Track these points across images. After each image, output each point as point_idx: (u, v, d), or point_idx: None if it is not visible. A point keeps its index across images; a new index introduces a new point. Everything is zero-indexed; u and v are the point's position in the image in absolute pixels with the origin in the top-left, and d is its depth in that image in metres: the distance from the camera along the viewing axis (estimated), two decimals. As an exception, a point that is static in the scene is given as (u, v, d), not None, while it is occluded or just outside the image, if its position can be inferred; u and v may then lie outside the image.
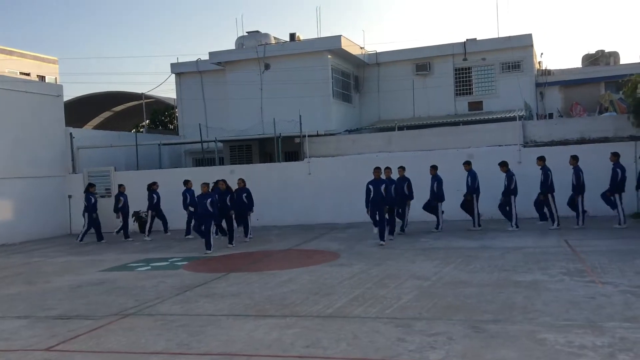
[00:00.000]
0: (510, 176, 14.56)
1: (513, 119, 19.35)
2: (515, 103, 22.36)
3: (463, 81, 24.93)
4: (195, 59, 26.35)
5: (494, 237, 13.44)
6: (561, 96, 25.35)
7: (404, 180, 14.84)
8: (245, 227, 15.27)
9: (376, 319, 6.86)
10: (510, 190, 14.50)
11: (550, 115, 23.41)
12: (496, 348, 5.60)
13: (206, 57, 24.31)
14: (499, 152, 16.77)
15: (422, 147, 18.46)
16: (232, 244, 14.19)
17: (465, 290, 8.14)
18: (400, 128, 21.27)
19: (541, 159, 14.63)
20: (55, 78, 36.74)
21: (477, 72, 24.85)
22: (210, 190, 14.22)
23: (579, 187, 14.08)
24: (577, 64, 30.06)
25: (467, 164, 15.08)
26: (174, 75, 27.17)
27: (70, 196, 20.29)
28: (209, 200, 13.56)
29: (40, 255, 14.87)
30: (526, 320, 6.50)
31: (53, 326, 7.44)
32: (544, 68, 26.39)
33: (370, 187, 13.03)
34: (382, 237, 13.00)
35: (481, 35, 64.13)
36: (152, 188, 17.29)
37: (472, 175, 14.81)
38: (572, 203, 14.26)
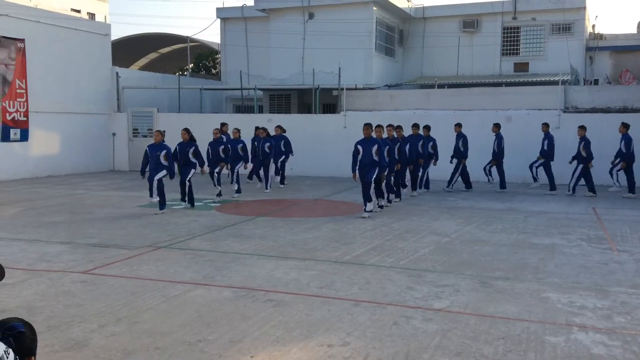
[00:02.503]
0: (549, 138, 14.51)
1: (557, 82, 19.00)
2: (563, 67, 21.83)
3: (510, 41, 24.37)
4: (240, 5, 26.46)
5: (523, 200, 13.52)
6: (611, 62, 24.54)
7: (429, 139, 14.48)
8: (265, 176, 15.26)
9: (390, 268, 7.21)
10: (544, 153, 14.54)
11: (596, 82, 22.79)
12: (499, 302, 5.88)
13: (252, 3, 24.37)
14: (538, 116, 16.63)
15: (460, 107, 18.39)
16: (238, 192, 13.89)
17: (481, 248, 8.39)
18: (441, 86, 21.11)
19: (582, 129, 14.38)
20: (105, 17, 37.34)
21: (526, 32, 24.21)
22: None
23: (626, 155, 13.91)
24: (632, 29, 28.90)
25: (497, 126, 15.07)
26: (219, 20, 27.34)
27: (114, 134, 21.06)
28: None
29: (83, 189, 15.68)
30: (535, 280, 6.73)
31: (91, 252, 8.06)
32: (596, 32, 25.52)
33: (359, 147, 11.00)
34: (366, 207, 11.03)
35: (537, -7, 61.61)
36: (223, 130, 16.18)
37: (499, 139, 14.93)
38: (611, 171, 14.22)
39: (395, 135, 12.57)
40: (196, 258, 7.76)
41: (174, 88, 22.39)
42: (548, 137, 14.55)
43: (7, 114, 17.29)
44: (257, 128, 15.98)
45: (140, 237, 9.18)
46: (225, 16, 27.02)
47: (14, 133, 17.59)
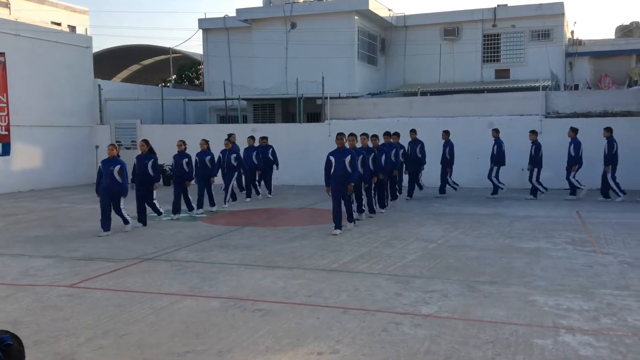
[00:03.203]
0: (498, 144, 14.86)
1: (537, 88, 19.23)
2: (543, 72, 22.10)
3: (491, 48, 24.63)
4: (222, 15, 26.46)
5: (508, 205, 13.64)
6: (591, 67, 24.93)
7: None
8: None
9: (378, 275, 7.22)
10: (494, 159, 14.86)
11: (576, 87, 23.12)
12: (487, 306, 5.92)
13: (234, 14, 24.40)
14: (520, 122, 16.83)
15: (443, 114, 18.54)
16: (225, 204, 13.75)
17: (468, 253, 8.44)
18: (424, 93, 21.26)
19: (533, 133, 14.71)
20: (86, 29, 37.08)
21: (506, 39, 24.48)
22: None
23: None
24: (610, 35, 29.43)
25: (446, 133, 15.27)
26: (201, 31, 27.31)
27: (97, 146, 20.86)
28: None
29: (67, 202, 15.51)
30: (522, 284, 6.78)
31: (77, 266, 7.97)
32: (575, 38, 25.90)
33: (332, 158, 10.38)
34: (338, 224, 10.14)
35: (512, 1, 62.52)
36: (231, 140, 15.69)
37: (450, 146, 15.13)
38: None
39: (370, 145, 12.04)
40: (183, 269, 7.71)
41: (157, 99, 22.31)
42: (497, 143, 14.81)
43: (-12, 128, 17.08)
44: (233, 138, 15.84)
45: (126, 249, 9.11)
46: (208, 27, 26.97)
47: (-5, 147, 17.37)
